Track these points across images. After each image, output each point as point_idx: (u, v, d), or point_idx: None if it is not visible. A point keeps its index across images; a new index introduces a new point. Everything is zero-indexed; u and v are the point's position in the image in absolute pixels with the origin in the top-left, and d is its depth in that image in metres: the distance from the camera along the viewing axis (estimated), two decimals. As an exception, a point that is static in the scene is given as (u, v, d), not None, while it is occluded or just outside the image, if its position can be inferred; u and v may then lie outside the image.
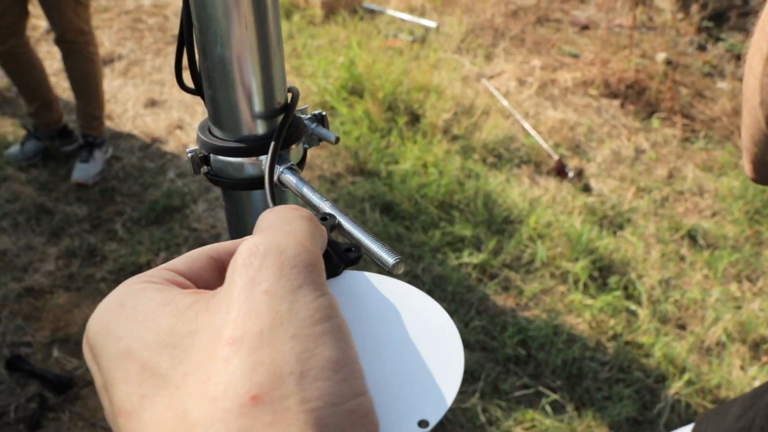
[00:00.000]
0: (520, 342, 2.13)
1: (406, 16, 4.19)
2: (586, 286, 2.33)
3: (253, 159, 0.45)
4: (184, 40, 0.44)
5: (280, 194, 0.46)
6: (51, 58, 3.45)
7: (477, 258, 2.41)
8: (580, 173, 2.90)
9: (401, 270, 0.34)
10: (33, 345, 2.04)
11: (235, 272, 0.24)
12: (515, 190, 2.78)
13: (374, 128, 3.08)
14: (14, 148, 2.83)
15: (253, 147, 0.45)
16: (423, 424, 0.28)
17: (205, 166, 0.47)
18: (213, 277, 0.29)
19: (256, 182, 0.45)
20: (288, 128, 0.45)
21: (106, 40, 3.84)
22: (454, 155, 2.96)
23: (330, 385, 0.22)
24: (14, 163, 2.79)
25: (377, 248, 0.35)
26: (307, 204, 0.39)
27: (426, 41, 3.95)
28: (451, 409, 1.90)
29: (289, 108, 0.44)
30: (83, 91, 2.70)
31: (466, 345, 2.11)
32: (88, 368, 1.95)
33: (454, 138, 3.09)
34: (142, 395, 0.23)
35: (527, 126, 3.16)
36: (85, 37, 2.58)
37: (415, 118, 3.20)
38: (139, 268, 2.32)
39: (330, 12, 4.14)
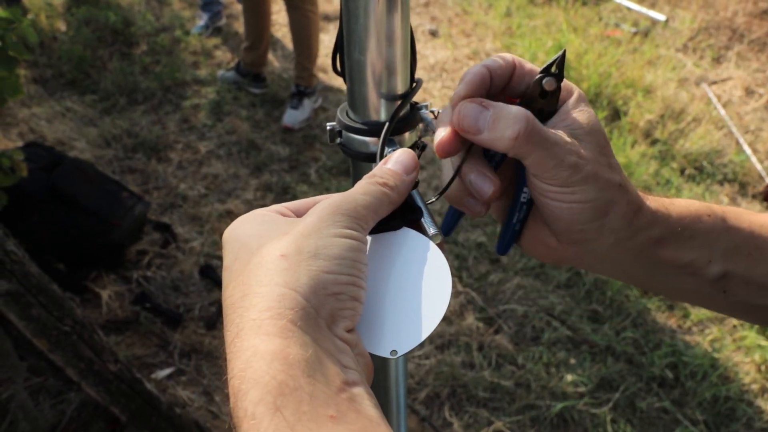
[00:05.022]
0: (671, 365, 2.03)
1: (633, 5, 3.98)
2: (763, 325, 2.14)
3: (373, 138, 0.54)
4: (338, 43, 0.54)
5: None
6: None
7: (647, 270, 2.31)
8: (791, 203, 2.62)
9: (438, 240, 0.46)
10: (222, 260, 2.35)
11: (307, 212, 0.43)
12: (709, 208, 2.59)
13: (570, 118, 3.02)
14: (221, 71, 3.31)
15: (373, 130, 0.54)
16: (393, 353, 0.40)
17: (339, 138, 0.57)
18: None
19: (372, 157, 0.55)
20: (402, 120, 0.53)
21: (336, -2, 4.14)
22: (650, 160, 2.82)
23: (328, 264, 0.38)
24: (219, 84, 3.25)
25: (428, 219, 0.47)
26: None
27: (649, 35, 3.74)
28: (578, 411, 1.88)
29: (403, 100, 0.53)
30: (298, 43, 2.97)
31: (612, 353, 2.06)
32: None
33: (654, 142, 2.93)
34: (235, 258, 0.42)
35: (742, 141, 2.90)
36: None
37: (615, 115, 3.08)
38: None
39: (553, -7, 4.07)
